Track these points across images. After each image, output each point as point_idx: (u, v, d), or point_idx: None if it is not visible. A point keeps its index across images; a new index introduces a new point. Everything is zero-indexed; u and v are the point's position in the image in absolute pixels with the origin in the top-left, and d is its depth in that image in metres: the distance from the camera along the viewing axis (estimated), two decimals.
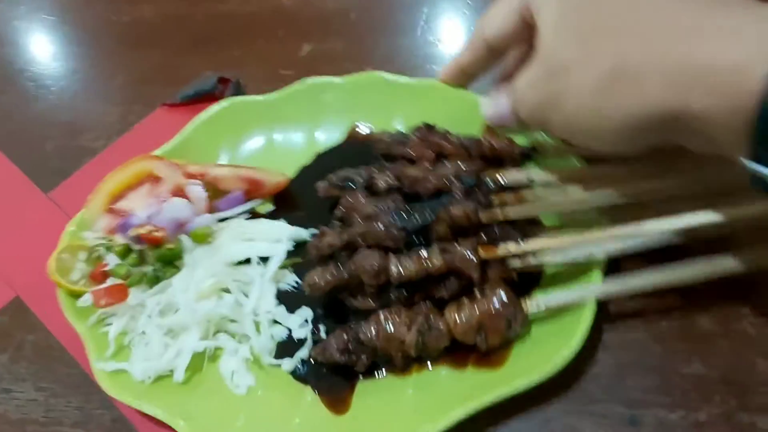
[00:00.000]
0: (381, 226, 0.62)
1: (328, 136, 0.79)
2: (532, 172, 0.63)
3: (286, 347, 0.65)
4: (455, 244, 0.61)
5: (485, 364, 0.60)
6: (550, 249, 0.60)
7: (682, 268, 0.57)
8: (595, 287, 0.60)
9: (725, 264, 0.57)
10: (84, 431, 0.65)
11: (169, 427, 0.62)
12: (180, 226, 0.71)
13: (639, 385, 0.58)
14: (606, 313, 0.62)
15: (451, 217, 0.61)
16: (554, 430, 0.57)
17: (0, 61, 1.01)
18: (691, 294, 0.62)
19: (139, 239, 0.69)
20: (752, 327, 0.59)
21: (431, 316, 0.60)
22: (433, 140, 0.68)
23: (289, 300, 0.68)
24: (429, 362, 0.62)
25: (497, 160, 0.66)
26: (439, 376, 0.61)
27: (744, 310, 0.60)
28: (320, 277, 0.62)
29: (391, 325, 0.60)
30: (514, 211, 0.61)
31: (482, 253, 0.60)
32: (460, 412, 0.56)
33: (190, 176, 0.74)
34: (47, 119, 0.92)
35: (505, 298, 0.59)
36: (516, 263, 0.60)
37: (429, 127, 0.69)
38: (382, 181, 0.66)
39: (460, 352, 0.61)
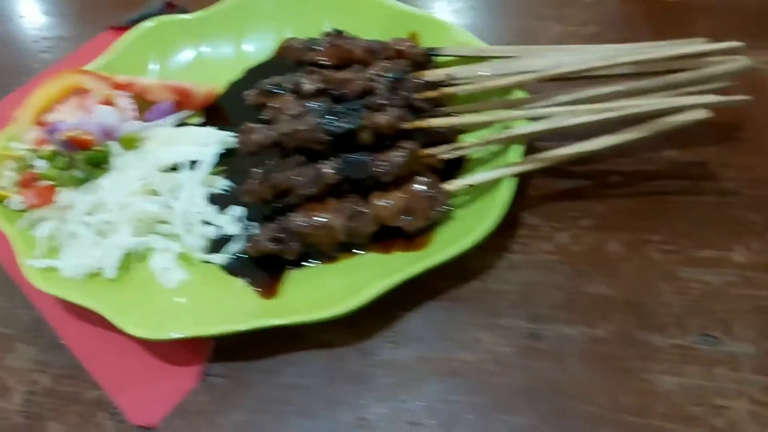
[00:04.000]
0: (307, 128, 0.63)
1: (258, 53, 0.79)
2: (453, 70, 0.66)
3: (219, 244, 0.67)
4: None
5: (411, 248, 0.63)
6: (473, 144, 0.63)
7: (591, 142, 0.60)
8: (511, 166, 0.62)
9: (630, 135, 0.60)
10: (5, 328, 0.67)
11: (87, 326, 0.64)
12: (108, 133, 0.71)
13: (544, 302, 0.61)
14: (518, 235, 0.65)
15: (376, 124, 0.62)
16: (458, 339, 0.60)
17: None
18: (602, 220, 0.64)
19: (67, 144, 0.70)
20: (658, 253, 0.62)
21: (359, 202, 0.62)
22: (343, 45, 0.70)
23: (221, 202, 0.69)
24: (358, 250, 0.64)
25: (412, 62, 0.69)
26: (366, 261, 0.63)
27: (652, 236, 0.63)
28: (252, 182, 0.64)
29: (319, 212, 0.62)
30: (436, 122, 0.62)
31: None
32: (382, 285, 0.58)
33: (118, 87, 0.74)
34: None
35: (428, 182, 0.61)
36: (440, 152, 0.62)
37: (338, 33, 0.71)
38: (309, 84, 0.67)
39: (387, 239, 0.63)
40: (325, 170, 0.61)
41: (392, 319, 0.61)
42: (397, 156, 0.60)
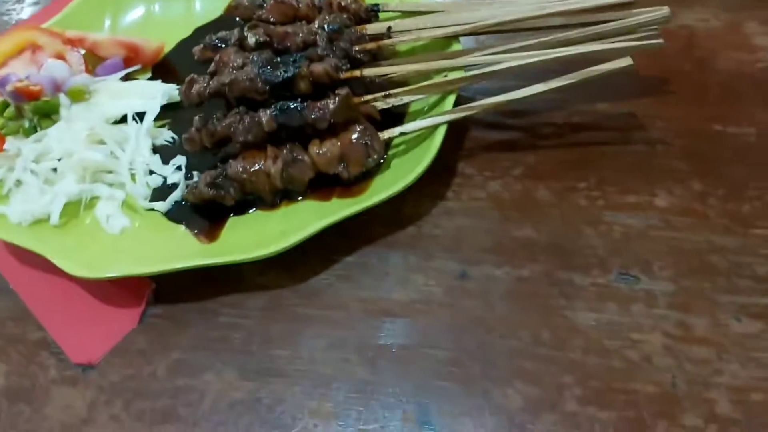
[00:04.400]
0: (246, 77, 0.64)
1: (208, 12, 0.81)
2: (392, 24, 0.69)
3: (162, 192, 0.69)
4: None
5: (348, 194, 0.65)
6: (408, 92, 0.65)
7: (520, 91, 0.63)
8: (442, 114, 0.64)
9: (556, 83, 0.62)
10: None
11: (33, 271, 0.66)
12: (57, 86, 0.73)
13: (474, 245, 0.63)
14: (453, 184, 0.67)
15: (312, 74, 0.64)
16: (391, 281, 0.61)
17: None
18: (532, 169, 0.67)
19: (15, 94, 0.71)
20: (584, 199, 0.64)
21: (295, 150, 0.64)
22: (288, 2, 0.72)
23: (165, 153, 0.71)
24: (297, 198, 0.66)
25: (356, 17, 0.72)
26: (304, 207, 0.65)
27: (580, 184, 0.65)
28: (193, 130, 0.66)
29: (257, 159, 0.64)
30: (370, 71, 0.64)
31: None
32: (314, 227, 0.60)
33: (70, 42, 0.76)
34: None
35: (363, 130, 0.63)
36: (378, 103, 0.65)
37: None
38: (253, 37, 0.68)
39: (326, 187, 0.65)
40: (261, 118, 0.63)
41: (330, 263, 0.63)
42: (329, 102, 0.62)
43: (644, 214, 0.62)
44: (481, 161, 0.68)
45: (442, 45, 0.69)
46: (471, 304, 0.59)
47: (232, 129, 0.64)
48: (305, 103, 0.63)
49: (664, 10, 0.61)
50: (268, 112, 0.64)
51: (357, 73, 0.65)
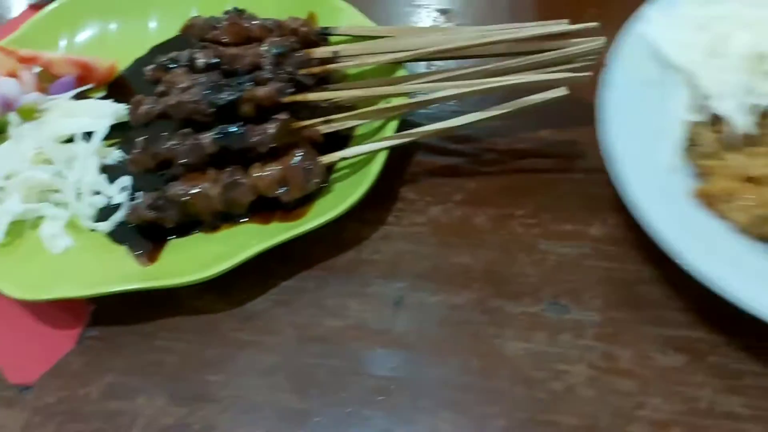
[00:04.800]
0: (191, 99, 0.65)
1: (164, 31, 0.81)
2: (340, 48, 0.69)
3: (108, 213, 0.69)
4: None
5: (288, 218, 0.65)
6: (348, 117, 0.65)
7: (460, 118, 0.64)
8: (383, 140, 0.65)
9: (493, 112, 0.63)
10: None
11: None
12: (8, 104, 0.73)
13: (411, 271, 0.63)
14: (395, 209, 0.68)
15: (256, 97, 0.64)
16: (327, 306, 0.62)
17: None
18: (473, 195, 0.67)
19: None
20: (521, 227, 0.65)
21: (236, 173, 0.64)
22: (241, 24, 0.73)
23: (113, 173, 0.72)
24: (238, 220, 0.66)
25: (305, 40, 0.72)
26: (244, 230, 0.66)
27: (517, 211, 0.65)
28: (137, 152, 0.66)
29: (197, 181, 0.64)
30: (314, 96, 0.65)
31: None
32: (249, 252, 0.61)
33: (24, 61, 0.76)
34: None
35: (304, 154, 0.64)
36: (323, 127, 0.65)
37: (239, 11, 0.73)
38: (202, 59, 0.69)
39: (267, 210, 0.66)
40: (203, 140, 0.63)
41: (268, 287, 0.64)
42: (269, 127, 0.63)
43: (578, 243, 0.62)
44: (423, 186, 0.68)
45: (388, 70, 0.70)
46: (404, 332, 0.60)
47: (174, 151, 0.64)
48: (247, 126, 0.63)
49: (600, 41, 0.62)
50: (210, 134, 0.64)
51: (300, 97, 0.65)
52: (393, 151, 0.66)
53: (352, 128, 0.68)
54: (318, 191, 0.66)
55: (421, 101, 0.64)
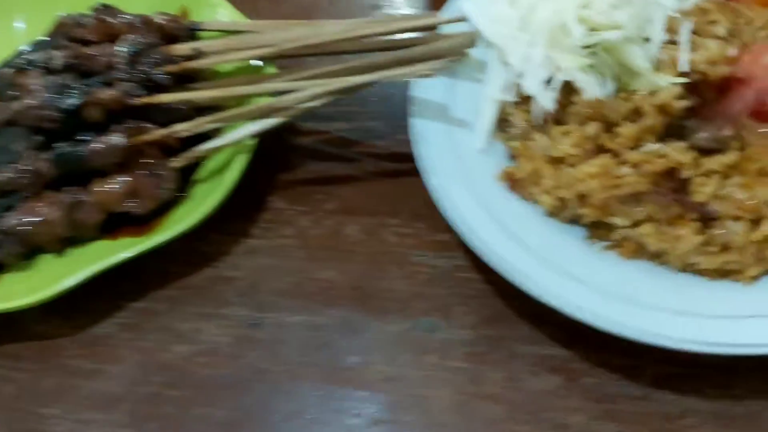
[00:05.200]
0: (36, 104, 0.59)
1: (33, 31, 0.75)
2: (200, 44, 0.64)
3: None
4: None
5: (141, 232, 0.58)
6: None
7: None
8: (247, 128, 0.59)
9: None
10: None
11: None
12: None
13: (272, 289, 0.58)
14: (261, 220, 0.62)
15: (100, 101, 0.58)
16: (177, 330, 0.56)
17: None
18: (346, 203, 0.62)
19: None
20: (395, 236, 0.59)
21: (77, 192, 0.58)
22: (107, 21, 0.66)
23: None
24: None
25: (171, 37, 0.65)
26: (92, 248, 0.59)
27: (392, 220, 0.60)
28: None
29: (35, 208, 0.57)
30: (166, 97, 0.59)
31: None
32: (93, 269, 0.55)
33: None
34: None
35: (152, 162, 0.58)
36: (179, 130, 0.59)
37: (106, 8, 0.68)
38: (58, 60, 0.63)
39: (123, 225, 0.59)
40: (38, 164, 0.57)
41: (116, 309, 0.58)
42: (111, 138, 0.57)
43: (453, 254, 0.57)
44: (294, 194, 0.63)
45: (255, 68, 0.64)
46: (258, 357, 0.54)
47: (8, 178, 0.58)
48: (87, 140, 0.57)
49: (467, 35, 0.56)
50: (44, 156, 0.58)
51: (150, 99, 0.59)
52: (263, 155, 0.61)
53: (217, 130, 0.62)
54: (175, 201, 0.60)
55: (283, 103, 0.57)
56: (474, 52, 0.60)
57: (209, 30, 0.68)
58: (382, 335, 0.54)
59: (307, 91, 0.57)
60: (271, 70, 0.64)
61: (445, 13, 0.61)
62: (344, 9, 0.77)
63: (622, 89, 0.52)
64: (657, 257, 0.51)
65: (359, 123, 0.66)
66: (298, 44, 0.60)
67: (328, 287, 0.57)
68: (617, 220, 0.51)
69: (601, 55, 0.53)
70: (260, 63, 0.64)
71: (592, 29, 0.52)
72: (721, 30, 0.54)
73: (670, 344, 0.45)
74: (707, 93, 0.53)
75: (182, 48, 0.64)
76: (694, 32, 0.54)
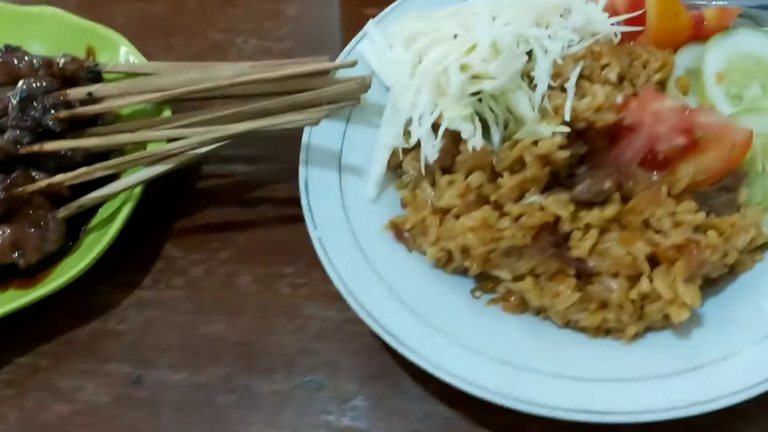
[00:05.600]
0: None
1: None
2: (95, 88, 0.62)
3: None
4: None
5: (29, 284, 0.57)
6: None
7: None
8: (138, 175, 0.58)
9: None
10: None
11: None
12: None
13: (157, 344, 0.56)
14: (154, 270, 0.60)
15: None
16: (58, 387, 0.54)
17: None
18: (241, 251, 0.60)
19: None
20: (289, 287, 0.58)
21: None
22: (10, 62, 0.65)
23: None
24: None
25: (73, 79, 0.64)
26: None
27: (287, 269, 0.58)
28: None
29: None
30: (51, 145, 0.57)
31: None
32: None
33: None
34: None
35: (36, 213, 0.56)
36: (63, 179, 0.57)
37: (10, 49, 0.66)
38: None
39: (11, 281, 0.57)
40: None
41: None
42: None
43: (345, 305, 0.54)
44: (189, 242, 0.61)
45: (156, 111, 0.62)
46: (137, 417, 0.52)
47: None
48: None
49: (362, 81, 0.55)
50: None
51: (34, 148, 0.57)
52: (161, 202, 0.60)
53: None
54: (64, 251, 0.58)
55: (172, 150, 0.56)
56: (373, 97, 0.58)
57: (110, 72, 0.66)
58: (267, 394, 0.52)
59: (193, 138, 0.55)
60: (167, 113, 0.62)
61: (344, 56, 0.59)
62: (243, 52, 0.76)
63: (509, 138, 0.51)
64: (540, 312, 0.49)
65: (262, 166, 0.64)
66: (191, 88, 0.58)
67: (214, 343, 0.55)
68: (502, 273, 0.49)
69: (489, 102, 0.51)
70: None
71: (475, 77, 0.50)
72: (612, 75, 0.52)
73: (544, 412, 0.43)
74: (597, 141, 0.51)
75: (78, 92, 0.62)
76: (586, 77, 0.52)
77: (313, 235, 0.51)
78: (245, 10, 0.79)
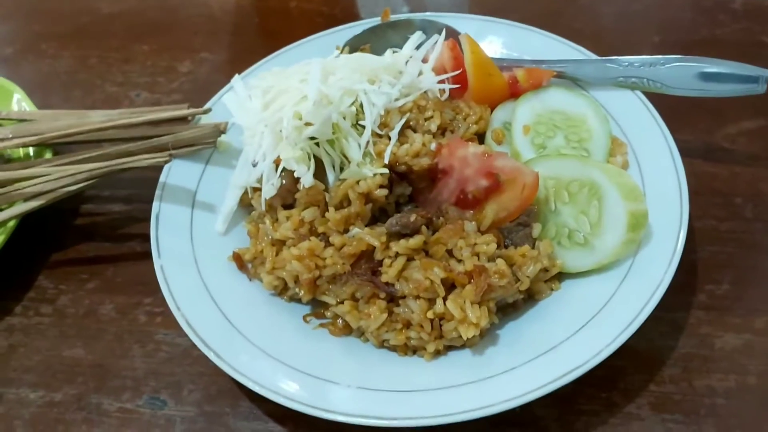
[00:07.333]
0: None
1: None
2: None
3: None
4: None
5: None
6: None
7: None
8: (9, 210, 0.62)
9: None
10: None
11: None
12: None
13: (20, 365, 0.60)
14: (25, 298, 0.64)
15: None
16: None
17: None
18: (107, 283, 0.65)
19: None
20: (145, 315, 0.62)
21: None
22: None
23: None
24: None
25: None
26: None
27: (146, 299, 0.63)
28: None
29: None
30: None
31: None
32: None
33: None
34: None
35: None
36: None
37: None
38: None
39: None
40: None
41: None
42: None
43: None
44: (61, 274, 0.66)
45: (38, 153, 0.68)
46: None
47: None
48: None
49: (217, 126, 0.61)
50: None
51: None
52: (39, 237, 0.66)
53: None
54: None
55: (43, 188, 0.61)
56: (233, 142, 0.64)
57: (2, 119, 0.71)
58: (113, 411, 0.56)
59: (56, 175, 0.60)
60: (48, 155, 0.67)
61: (210, 104, 0.66)
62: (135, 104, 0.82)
63: (343, 178, 0.57)
64: (362, 335, 0.54)
65: (135, 205, 0.70)
66: (65, 132, 0.63)
67: (72, 365, 0.59)
68: (329, 299, 0.55)
69: (325, 146, 0.57)
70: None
71: (307, 124, 0.56)
72: (433, 125, 0.59)
73: (340, 419, 0.48)
74: (420, 182, 0.58)
75: None
76: (411, 127, 0.59)
77: (156, 263, 0.56)
78: (142, 66, 0.85)
